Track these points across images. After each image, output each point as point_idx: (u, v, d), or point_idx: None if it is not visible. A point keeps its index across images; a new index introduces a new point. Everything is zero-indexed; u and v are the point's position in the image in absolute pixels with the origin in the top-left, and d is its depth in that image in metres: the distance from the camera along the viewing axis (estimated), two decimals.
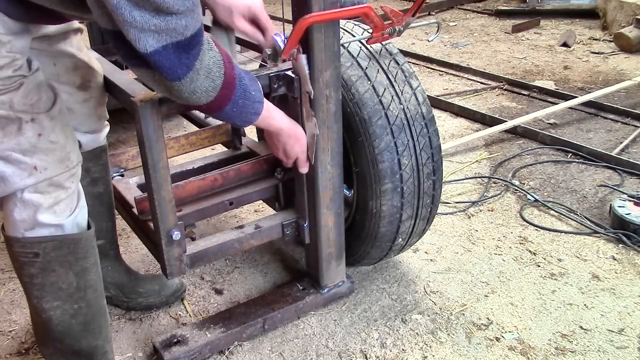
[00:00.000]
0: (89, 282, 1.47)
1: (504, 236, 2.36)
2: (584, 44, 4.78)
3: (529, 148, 3.06)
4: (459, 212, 2.53)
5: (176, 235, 1.60)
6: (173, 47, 1.13)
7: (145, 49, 1.10)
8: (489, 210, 2.54)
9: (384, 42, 1.76)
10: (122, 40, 1.11)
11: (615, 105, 3.44)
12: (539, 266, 2.17)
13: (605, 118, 3.39)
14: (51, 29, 1.45)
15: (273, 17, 1.65)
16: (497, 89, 3.94)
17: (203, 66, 1.22)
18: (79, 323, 1.48)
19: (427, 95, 1.86)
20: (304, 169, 1.68)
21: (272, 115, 1.51)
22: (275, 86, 1.64)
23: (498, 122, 3.26)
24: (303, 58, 1.53)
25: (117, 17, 1.07)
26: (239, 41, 1.87)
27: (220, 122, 2.21)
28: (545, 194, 2.65)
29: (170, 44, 1.12)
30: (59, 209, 1.38)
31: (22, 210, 1.34)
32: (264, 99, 1.45)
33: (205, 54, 1.22)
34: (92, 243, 1.47)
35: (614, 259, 2.20)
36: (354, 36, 1.75)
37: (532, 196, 2.59)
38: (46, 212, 1.35)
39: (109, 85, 1.66)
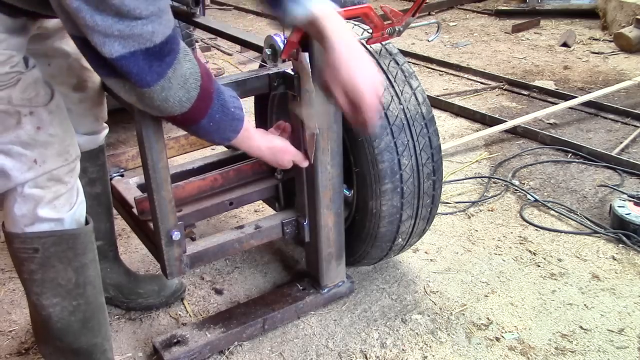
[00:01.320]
0: (88, 279, 1.47)
1: (504, 236, 2.36)
2: (584, 44, 4.78)
3: (529, 148, 3.06)
4: (459, 212, 2.53)
5: (176, 235, 1.60)
6: (142, 54, 1.10)
7: (111, 54, 1.08)
8: (489, 210, 2.54)
9: (383, 42, 1.76)
10: (89, 47, 1.10)
11: (615, 105, 3.44)
12: (539, 266, 2.17)
13: (605, 118, 3.39)
14: (50, 24, 1.45)
15: (273, 17, 1.65)
16: (497, 89, 3.94)
17: (177, 75, 1.19)
18: (78, 320, 1.48)
19: (427, 95, 1.86)
20: (304, 165, 1.66)
21: (252, 136, 1.47)
22: (275, 84, 1.64)
23: (498, 122, 3.26)
24: (305, 56, 1.53)
25: (80, 22, 1.05)
26: (239, 41, 1.87)
27: None
28: (545, 194, 2.65)
29: (139, 51, 1.10)
30: (59, 204, 1.38)
31: (22, 205, 1.34)
32: (245, 119, 1.42)
33: (180, 63, 1.19)
34: (91, 239, 1.47)
35: (614, 259, 2.20)
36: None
37: (532, 196, 2.59)
38: (46, 207, 1.36)
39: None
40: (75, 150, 1.42)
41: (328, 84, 1.30)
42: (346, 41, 1.26)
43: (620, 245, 2.27)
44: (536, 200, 2.57)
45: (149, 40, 1.10)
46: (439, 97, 3.72)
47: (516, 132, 3.23)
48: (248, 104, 2.66)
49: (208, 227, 2.46)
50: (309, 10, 1.27)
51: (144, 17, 1.07)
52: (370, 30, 1.65)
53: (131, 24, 1.06)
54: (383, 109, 1.72)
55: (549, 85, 3.90)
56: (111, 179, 1.98)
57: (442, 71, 4.35)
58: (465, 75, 4.22)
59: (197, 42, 4.34)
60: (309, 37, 1.50)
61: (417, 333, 1.88)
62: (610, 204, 2.41)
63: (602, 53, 4.54)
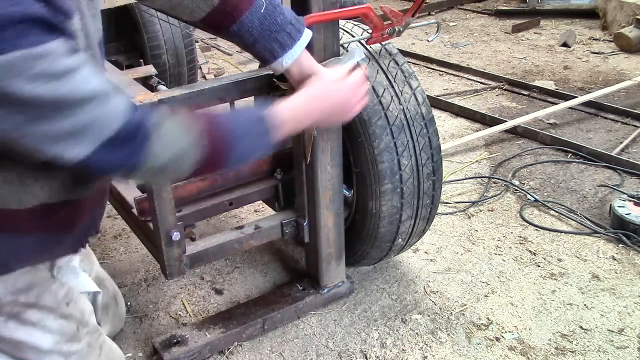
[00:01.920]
0: None
1: (504, 236, 2.36)
2: (584, 44, 4.78)
3: (529, 148, 3.06)
4: (459, 212, 2.53)
5: (176, 235, 1.60)
6: (109, 143, 0.98)
7: (77, 156, 0.97)
8: (489, 210, 2.54)
9: (383, 43, 1.76)
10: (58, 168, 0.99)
11: (615, 105, 3.44)
12: (539, 266, 2.17)
13: (605, 118, 3.39)
14: None
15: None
16: (497, 89, 3.94)
17: (162, 142, 1.05)
18: None
19: (427, 95, 1.86)
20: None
21: (296, 117, 1.29)
22: (277, 84, 1.64)
23: (498, 122, 3.26)
24: None
25: (28, 140, 0.93)
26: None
27: None
28: (545, 194, 2.65)
29: (101, 144, 0.98)
30: None
31: None
32: (277, 116, 1.23)
33: (161, 128, 1.06)
34: None
35: (614, 259, 2.20)
36: (353, 36, 1.75)
37: (532, 196, 2.59)
38: None
39: None
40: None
41: None
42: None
43: (620, 245, 2.26)
44: (536, 200, 2.57)
45: (111, 121, 0.98)
46: (439, 97, 3.72)
47: (516, 132, 3.23)
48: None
49: (208, 227, 2.46)
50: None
51: (90, 99, 0.95)
52: (370, 31, 1.65)
53: (79, 112, 0.94)
54: (383, 109, 1.72)
55: (549, 85, 3.90)
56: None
57: (442, 71, 4.35)
58: (465, 75, 4.21)
59: (197, 42, 4.35)
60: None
61: (417, 333, 1.88)
62: (610, 204, 2.40)
63: (602, 53, 4.53)
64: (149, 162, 1.05)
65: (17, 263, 1.19)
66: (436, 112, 3.48)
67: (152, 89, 2.55)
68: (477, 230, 2.40)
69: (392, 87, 1.75)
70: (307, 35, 1.35)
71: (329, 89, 1.35)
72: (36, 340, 1.28)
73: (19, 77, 0.86)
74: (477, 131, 3.24)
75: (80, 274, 1.53)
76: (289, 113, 1.26)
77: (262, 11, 1.29)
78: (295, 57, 1.34)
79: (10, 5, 0.84)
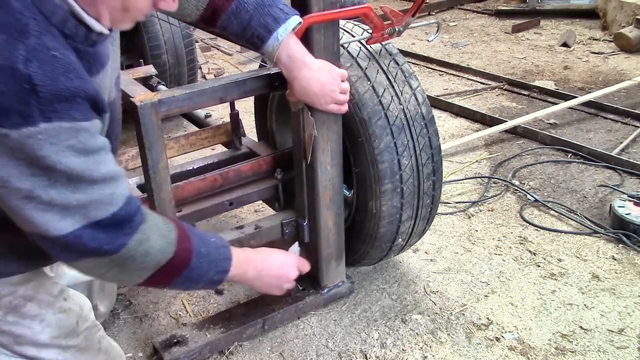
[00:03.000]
0: None
1: (504, 236, 2.36)
2: (584, 44, 4.78)
3: (529, 148, 3.06)
4: (459, 212, 2.53)
5: None
6: (97, 225, 1.05)
7: (63, 230, 1.02)
8: (489, 210, 2.54)
9: (383, 43, 1.76)
10: (48, 239, 1.04)
11: (615, 105, 3.44)
12: (539, 266, 2.17)
13: (605, 118, 3.39)
14: None
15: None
16: (497, 89, 3.94)
17: (144, 235, 1.14)
18: None
19: (427, 96, 1.86)
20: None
21: (249, 261, 1.41)
22: (277, 84, 1.64)
23: (498, 122, 3.26)
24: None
25: (33, 204, 0.98)
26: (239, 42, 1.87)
27: (220, 123, 2.22)
28: (545, 194, 2.65)
29: (92, 223, 1.04)
30: None
31: None
32: (233, 253, 1.35)
33: (147, 222, 1.15)
34: None
35: (614, 259, 2.20)
36: (353, 36, 1.75)
37: (532, 196, 2.59)
38: None
39: None
40: None
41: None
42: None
43: (620, 245, 2.26)
44: (536, 200, 2.57)
45: (111, 204, 1.06)
46: (439, 97, 3.72)
47: (516, 132, 3.23)
48: (248, 104, 2.66)
49: (208, 227, 2.46)
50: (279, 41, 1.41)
51: (100, 181, 1.03)
52: (370, 31, 1.65)
53: (88, 190, 1.02)
54: (383, 109, 1.72)
55: (549, 85, 3.90)
56: None
57: (442, 71, 4.35)
58: (465, 75, 4.22)
59: (197, 42, 4.35)
60: (308, 38, 1.50)
61: (417, 333, 1.88)
62: (610, 204, 2.40)
63: (602, 53, 4.54)
64: (126, 250, 1.11)
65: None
66: (436, 112, 3.48)
67: (152, 89, 2.56)
68: (477, 230, 2.40)
69: (392, 87, 1.75)
70: (298, 17, 1.44)
71: (277, 257, 1.49)
72: (35, 333, 1.30)
73: (57, 145, 0.94)
74: (477, 131, 3.24)
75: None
76: (241, 257, 1.37)
77: None
78: (289, 31, 1.41)
79: (72, 78, 0.94)
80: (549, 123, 3.36)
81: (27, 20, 0.92)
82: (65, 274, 1.56)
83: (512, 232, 2.38)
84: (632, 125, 3.25)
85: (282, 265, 1.49)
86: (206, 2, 1.42)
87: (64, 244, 1.05)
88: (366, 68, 1.73)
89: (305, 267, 1.60)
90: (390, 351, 1.81)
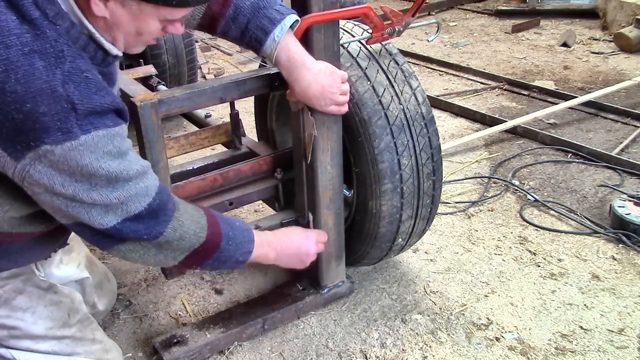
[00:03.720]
0: None
1: (504, 236, 2.36)
2: (584, 44, 4.78)
3: (529, 148, 3.06)
4: (459, 212, 2.53)
5: None
6: (137, 216, 1.19)
7: (108, 224, 1.16)
8: (489, 210, 2.54)
9: (383, 42, 1.76)
10: (91, 229, 1.18)
11: (615, 105, 3.44)
12: (539, 266, 2.17)
13: (605, 118, 3.39)
14: None
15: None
16: (497, 89, 3.94)
17: (180, 221, 1.28)
18: None
19: (427, 95, 1.86)
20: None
21: (269, 241, 1.56)
22: (277, 84, 1.64)
23: (498, 122, 3.26)
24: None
25: (77, 204, 1.12)
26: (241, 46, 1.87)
27: (220, 123, 2.22)
28: (545, 194, 2.65)
29: (132, 215, 1.18)
30: None
31: None
32: (257, 234, 1.49)
33: (179, 209, 1.29)
34: None
35: (614, 259, 2.20)
36: (353, 36, 1.75)
37: (532, 196, 2.59)
38: None
39: None
40: None
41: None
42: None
43: (620, 245, 2.26)
44: (536, 200, 2.57)
45: (147, 196, 1.19)
46: (439, 97, 3.72)
47: (516, 132, 3.23)
48: (248, 104, 2.66)
49: None
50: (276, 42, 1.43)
51: (134, 177, 1.15)
52: (370, 31, 1.65)
53: (125, 187, 1.14)
54: (383, 108, 1.72)
55: (549, 85, 3.90)
56: None
57: (442, 71, 4.35)
58: (465, 75, 4.22)
59: (197, 42, 4.35)
60: (308, 38, 1.50)
61: (417, 333, 1.88)
62: (610, 204, 2.40)
63: (602, 53, 4.54)
64: (163, 238, 1.25)
65: None
66: (436, 112, 3.48)
67: (152, 88, 2.55)
68: (477, 230, 2.40)
69: (392, 87, 1.75)
70: (294, 15, 1.45)
71: (295, 237, 1.63)
72: (28, 325, 1.36)
73: (96, 152, 1.07)
74: (477, 131, 3.24)
75: (61, 267, 1.64)
76: (263, 239, 1.51)
77: None
78: (285, 31, 1.43)
79: (104, 95, 1.08)
80: (549, 123, 3.36)
81: (62, 47, 1.04)
82: (54, 275, 1.60)
83: (512, 232, 2.38)
84: (632, 125, 3.25)
85: (301, 244, 1.62)
86: (202, 10, 1.44)
87: (106, 234, 1.19)
88: (366, 68, 1.73)
89: (323, 236, 1.74)
90: (390, 351, 1.81)
